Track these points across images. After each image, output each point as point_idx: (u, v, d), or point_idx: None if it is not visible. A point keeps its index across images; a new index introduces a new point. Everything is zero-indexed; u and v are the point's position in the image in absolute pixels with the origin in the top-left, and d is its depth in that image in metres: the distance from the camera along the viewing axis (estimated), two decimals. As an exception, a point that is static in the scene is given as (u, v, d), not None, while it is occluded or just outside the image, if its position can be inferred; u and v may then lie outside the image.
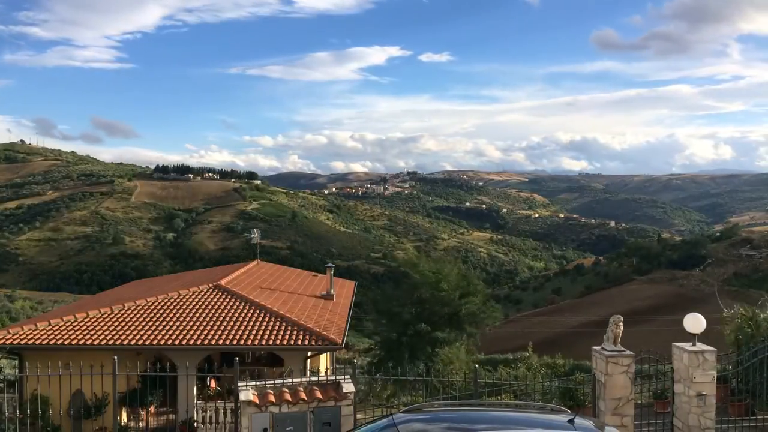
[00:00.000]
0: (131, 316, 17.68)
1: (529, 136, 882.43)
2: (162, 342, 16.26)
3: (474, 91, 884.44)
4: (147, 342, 16.26)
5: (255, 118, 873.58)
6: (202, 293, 19.44)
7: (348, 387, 10.10)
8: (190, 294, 19.30)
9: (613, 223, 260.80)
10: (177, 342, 16.23)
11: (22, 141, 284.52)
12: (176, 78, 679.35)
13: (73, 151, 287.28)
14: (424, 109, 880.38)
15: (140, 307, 18.26)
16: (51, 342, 16.10)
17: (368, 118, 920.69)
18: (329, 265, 24.81)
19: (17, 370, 17.45)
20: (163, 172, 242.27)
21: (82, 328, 16.79)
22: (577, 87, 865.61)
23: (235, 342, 16.30)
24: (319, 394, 9.88)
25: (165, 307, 18.25)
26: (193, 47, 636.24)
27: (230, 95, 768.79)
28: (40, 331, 16.59)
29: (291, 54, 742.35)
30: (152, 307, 18.24)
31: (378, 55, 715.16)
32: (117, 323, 17.17)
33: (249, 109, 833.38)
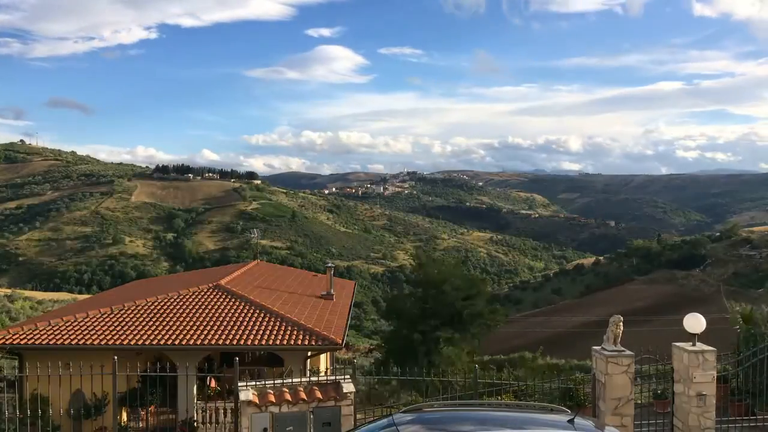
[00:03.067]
0: (131, 316, 17.68)
1: (505, 134, 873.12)
2: (162, 342, 16.26)
3: (449, 89, 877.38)
4: (147, 342, 16.26)
5: (231, 119, 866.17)
6: (202, 293, 19.45)
7: (348, 387, 10.10)
8: (190, 294, 19.30)
9: (613, 223, 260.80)
10: (177, 342, 16.24)
11: (21, 141, 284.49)
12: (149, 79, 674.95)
13: (73, 151, 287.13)
14: (403, 108, 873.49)
15: (140, 307, 18.27)
16: (51, 342, 16.11)
17: (345, 116, 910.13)
18: (329, 265, 24.84)
19: (17, 370, 17.45)
20: (162, 172, 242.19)
21: (82, 328, 16.79)
22: (552, 83, 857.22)
23: (235, 342, 16.31)
24: (319, 394, 9.88)
25: (165, 307, 18.26)
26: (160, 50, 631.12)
27: (203, 96, 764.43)
28: (40, 331, 16.60)
29: (258, 53, 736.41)
30: (152, 307, 18.25)
31: (351, 56, 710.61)
32: (117, 323, 17.18)
33: (226, 110, 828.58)
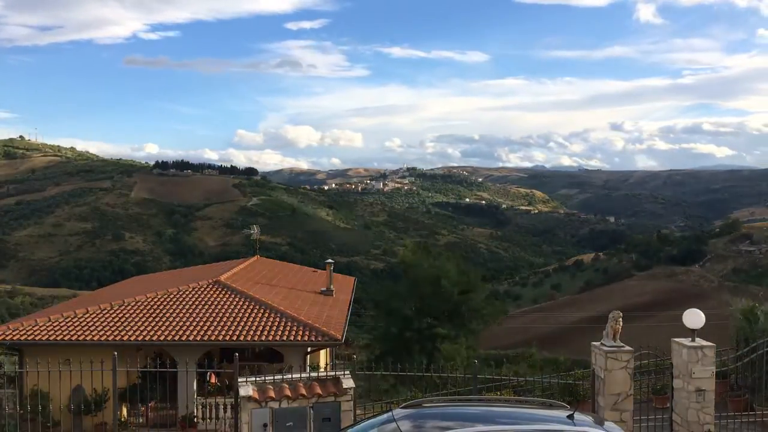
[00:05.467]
0: (131, 312, 17.71)
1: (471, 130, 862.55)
2: (162, 338, 16.30)
3: (432, 83, 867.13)
4: (147, 338, 16.29)
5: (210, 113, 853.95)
6: (202, 289, 19.47)
7: (348, 382, 10.12)
8: (190, 290, 19.33)
9: (612, 219, 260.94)
10: (177, 338, 16.27)
11: (21, 137, 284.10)
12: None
13: (72, 147, 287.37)
14: (385, 102, 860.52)
15: (140, 303, 18.29)
16: (51, 338, 16.14)
17: (325, 110, 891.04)
18: (329, 261, 24.84)
19: (17, 366, 17.47)
20: (162, 167, 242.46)
21: (82, 324, 16.82)
22: (536, 76, 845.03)
23: (234, 338, 16.33)
24: (318, 390, 9.89)
25: (165, 303, 18.28)
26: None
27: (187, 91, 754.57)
28: (40, 327, 16.62)
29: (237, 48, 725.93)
30: (152, 303, 18.27)
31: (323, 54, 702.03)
32: (117, 319, 17.21)
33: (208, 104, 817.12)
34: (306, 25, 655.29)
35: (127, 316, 17.43)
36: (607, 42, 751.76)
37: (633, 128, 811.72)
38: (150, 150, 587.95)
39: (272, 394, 9.76)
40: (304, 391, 9.83)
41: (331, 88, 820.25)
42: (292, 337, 16.34)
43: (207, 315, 17.54)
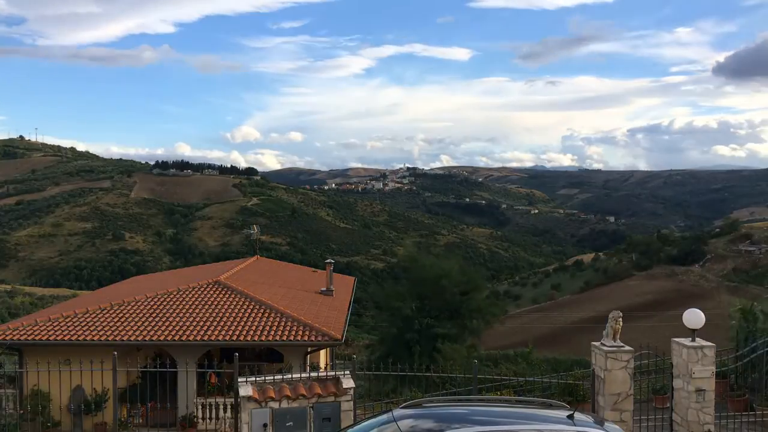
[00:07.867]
0: (131, 311, 17.71)
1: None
2: (162, 337, 16.30)
3: (414, 81, 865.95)
4: (147, 338, 16.29)
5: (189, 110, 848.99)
6: (202, 289, 19.47)
7: (348, 382, 10.11)
8: (190, 290, 19.32)
9: (612, 219, 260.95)
10: (177, 337, 16.27)
11: (21, 137, 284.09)
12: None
13: (72, 147, 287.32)
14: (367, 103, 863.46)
15: (140, 302, 18.30)
16: (51, 338, 16.14)
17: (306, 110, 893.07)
18: (329, 261, 24.84)
19: (17, 366, 17.47)
20: (162, 168, 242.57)
21: (82, 324, 16.82)
22: (516, 75, 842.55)
23: (234, 337, 16.33)
24: (318, 390, 9.89)
25: (165, 303, 18.28)
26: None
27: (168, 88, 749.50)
28: (40, 326, 16.62)
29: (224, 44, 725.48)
30: (152, 303, 18.27)
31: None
32: (117, 319, 17.21)
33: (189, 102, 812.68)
34: (286, 24, 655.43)
35: (127, 316, 17.43)
36: (598, 40, 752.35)
37: (622, 128, 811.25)
38: (78, 148, 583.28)
39: (272, 394, 9.76)
40: (304, 391, 9.82)
41: (314, 86, 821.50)
42: (292, 337, 16.34)
43: (207, 315, 17.54)
